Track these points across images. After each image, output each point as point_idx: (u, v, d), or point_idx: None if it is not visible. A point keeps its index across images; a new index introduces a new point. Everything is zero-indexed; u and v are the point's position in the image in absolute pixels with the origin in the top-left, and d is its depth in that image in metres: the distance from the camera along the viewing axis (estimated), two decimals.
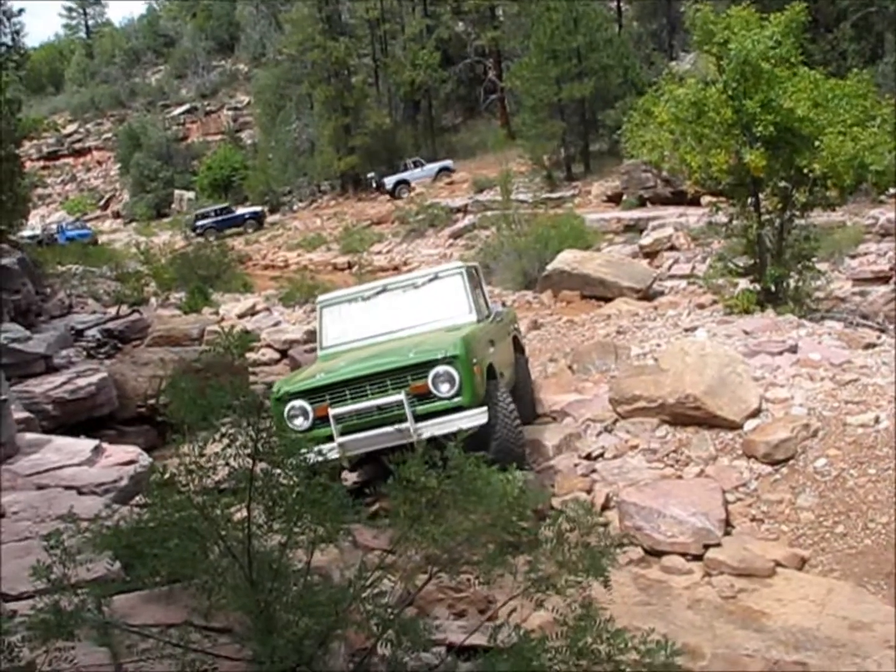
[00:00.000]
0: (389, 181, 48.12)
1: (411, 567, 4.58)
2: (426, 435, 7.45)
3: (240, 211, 50.86)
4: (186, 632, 4.10)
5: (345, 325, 9.67)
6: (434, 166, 48.46)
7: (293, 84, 54.98)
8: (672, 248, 26.59)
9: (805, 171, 13.85)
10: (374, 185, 49.33)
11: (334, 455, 7.26)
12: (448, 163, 49.00)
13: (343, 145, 50.12)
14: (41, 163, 71.99)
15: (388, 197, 46.80)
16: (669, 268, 24.28)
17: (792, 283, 14.92)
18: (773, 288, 14.71)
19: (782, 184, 14.64)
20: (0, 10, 25.08)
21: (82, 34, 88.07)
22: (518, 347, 11.14)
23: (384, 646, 4.22)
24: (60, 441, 9.11)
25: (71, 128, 75.48)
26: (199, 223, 49.56)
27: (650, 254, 26.28)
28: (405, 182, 47.79)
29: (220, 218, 49.74)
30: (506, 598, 4.65)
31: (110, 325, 16.39)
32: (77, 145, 75.01)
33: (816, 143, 13.61)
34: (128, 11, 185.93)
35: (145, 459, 8.55)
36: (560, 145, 41.43)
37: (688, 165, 14.62)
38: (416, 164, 48.74)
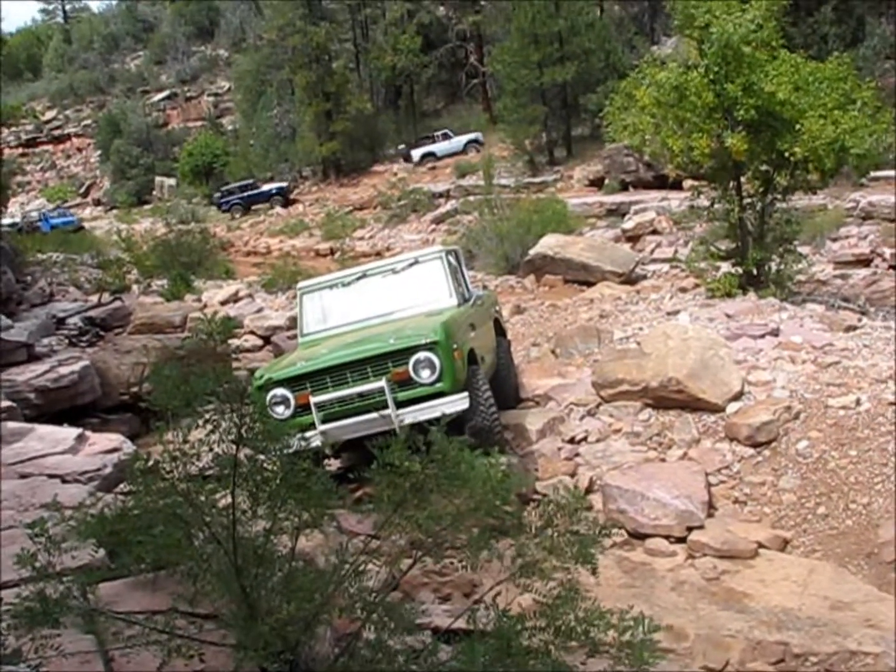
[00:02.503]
0: (416, 153, 47.89)
1: (396, 551, 4.59)
2: (408, 421, 7.45)
3: (265, 187, 50.24)
4: (172, 618, 4.10)
5: (325, 312, 9.65)
6: (462, 139, 47.65)
7: (274, 69, 54.59)
8: (654, 231, 26.70)
9: (786, 154, 13.90)
10: (403, 157, 49.06)
11: (317, 442, 7.26)
12: (477, 135, 47.89)
13: (324, 131, 49.85)
14: (20, 150, 71.31)
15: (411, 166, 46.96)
16: (652, 252, 24.37)
17: (774, 266, 15.00)
18: (754, 271, 14.78)
19: (764, 167, 14.70)
20: None
21: (60, 19, 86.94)
22: (500, 331, 11.12)
23: (369, 630, 4.24)
24: (43, 429, 9.08)
25: (50, 114, 74.83)
26: (224, 200, 49.50)
27: (632, 238, 26.36)
28: (432, 154, 47.52)
29: (245, 194, 49.43)
30: (491, 581, 4.67)
31: (92, 313, 16.30)
32: (56, 132, 74.28)
33: (797, 126, 13.66)
34: None
35: (129, 447, 8.53)
36: (542, 130, 41.40)
37: (669, 149, 14.65)
38: (444, 137, 48.13)
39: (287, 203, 48.94)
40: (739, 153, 13.80)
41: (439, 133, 48.64)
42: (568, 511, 4.38)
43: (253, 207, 48.81)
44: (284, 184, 50.46)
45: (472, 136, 47.84)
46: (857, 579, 6.93)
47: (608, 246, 22.44)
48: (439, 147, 47.69)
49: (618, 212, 30.49)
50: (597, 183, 35.82)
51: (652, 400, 9.83)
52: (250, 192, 49.60)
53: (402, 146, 49.46)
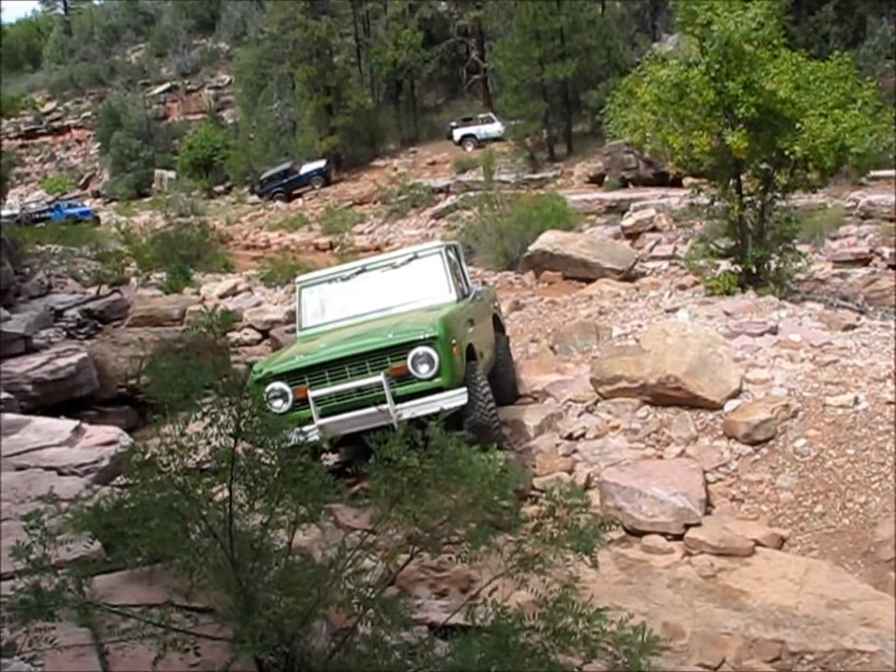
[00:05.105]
0: (458, 133, 48.39)
1: (393, 546, 4.58)
2: (406, 416, 7.44)
3: (304, 169, 49.87)
4: (167, 612, 4.08)
5: (324, 306, 9.65)
6: (500, 125, 47.64)
7: (275, 63, 54.53)
8: (654, 229, 26.68)
9: (786, 153, 13.87)
10: (447, 135, 49.46)
11: (315, 437, 7.24)
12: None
13: (325, 125, 49.77)
14: (19, 141, 71.26)
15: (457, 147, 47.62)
16: (651, 249, 24.36)
17: (773, 264, 14.98)
18: (754, 269, 14.77)
19: (764, 166, 14.67)
20: None
21: (60, 10, 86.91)
22: (499, 327, 11.13)
23: (365, 625, 4.22)
24: (40, 422, 9.05)
25: (49, 106, 74.78)
26: (265, 189, 49.60)
27: (632, 235, 26.34)
28: (472, 136, 47.81)
29: (286, 180, 49.27)
30: (488, 576, 4.66)
31: (90, 306, 16.29)
32: (56, 124, 74.22)
33: (798, 125, 13.63)
34: None
35: (126, 440, 8.51)
36: (542, 126, 41.37)
37: (670, 147, 14.62)
38: (486, 121, 48.32)
39: (328, 182, 48.89)
40: (740, 151, 13.77)
41: (482, 116, 48.77)
42: (568, 505, 4.37)
43: (294, 192, 48.90)
44: (322, 163, 49.81)
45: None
46: (853, 578, 6.93)
47: (608, 243, 22.45)
48: (479, 130, 47.88)
49: (618, 209, 30.46)
50: (597, 180, 35.80)
51: (650, 397, 9.83)
52: (290, 178, 49.39)
53: (452, 123, 49.66)
